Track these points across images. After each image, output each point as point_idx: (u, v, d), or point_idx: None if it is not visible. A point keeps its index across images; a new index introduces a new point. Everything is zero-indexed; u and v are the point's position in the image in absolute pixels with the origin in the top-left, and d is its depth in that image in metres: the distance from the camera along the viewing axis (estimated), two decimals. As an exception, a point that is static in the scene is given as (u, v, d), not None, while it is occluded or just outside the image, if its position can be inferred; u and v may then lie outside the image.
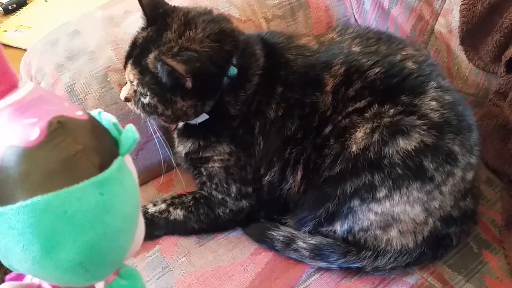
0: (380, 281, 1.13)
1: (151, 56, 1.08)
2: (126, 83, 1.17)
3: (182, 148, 1.24)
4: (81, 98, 1.23)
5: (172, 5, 1.18)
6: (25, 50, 1.39)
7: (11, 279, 0.72)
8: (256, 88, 1.16)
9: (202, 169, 1.23)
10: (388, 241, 1.12)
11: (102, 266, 0.60)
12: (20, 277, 0.72)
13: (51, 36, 1.35)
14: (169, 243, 1.20)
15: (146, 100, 1.12)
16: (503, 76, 1.37)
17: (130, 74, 1.12)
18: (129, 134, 0.61)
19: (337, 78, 1.14)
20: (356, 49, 1.18)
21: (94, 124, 0.60)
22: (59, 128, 0.56)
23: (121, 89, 1.24)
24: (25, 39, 1.76)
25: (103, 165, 0.57)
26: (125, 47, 1.28)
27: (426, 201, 1.07)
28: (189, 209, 1.22)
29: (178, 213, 1.21)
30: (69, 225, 0.54)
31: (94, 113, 0.63)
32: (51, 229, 0.54)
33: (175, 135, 1.27)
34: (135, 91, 1.13)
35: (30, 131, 0.55)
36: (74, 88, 1.23)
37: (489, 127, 1.40)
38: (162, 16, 1.14)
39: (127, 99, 1.16)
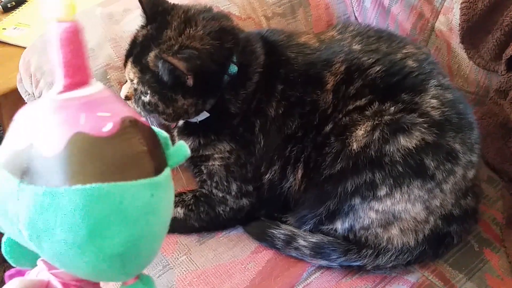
0: (381, 280, 1.12)
1: (152, 54, 1.08)
2: (126, 81, 1.16)
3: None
4: (80, 96, 1.22)
5: (172, 3, 1.18)
6: (24, 48, 1.38)
7: (11, 276, 0.72)
8: (257, 86, 1.15)
9: (202, 167, 1.22)
10: (389, 239, 1.11)
11: (137, 263, 0.62)
12: (21, 273, 0.72)
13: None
14: (169, 242, 1.19)
15: (146, 98, 1.11)
16: (504, 74, 1.37)
17: (130, 72, 1.12)
18: (182, 149, 0.66)
19: (338, 76, 1.14)
20: (356, 47, 1.17)
21: (154, 132, 0.64)
22: (130, 126, 0.59)
23: (121, 87, 1.23)
24: (24, 37, 1.76)
25: (158, 170, 0.60)
26: (125, 45, 1.28)
27: (427, 199, 1.07)
28: (189, 207, 1.21)
29: (178, 211, 1.21)
30: (120, 216, 0.56)
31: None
32: (102, 216, 0.55)
33: (175, 133, 1.27)
34: (135, 89, 1.13)
35: (103, 124, 0.58)
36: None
37: (490, 126, 1.40)
38: (162, 14, 1.13)
39: (127, 98, 1.16)
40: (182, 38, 1.08)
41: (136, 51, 1.12)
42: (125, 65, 1.15)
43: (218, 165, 1.20)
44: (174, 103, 1.11)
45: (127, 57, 1.14)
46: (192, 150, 1.18)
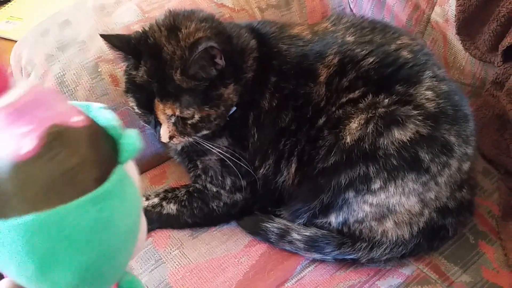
0: (375, 273, 1.12)
1: (177, 74, 1.03)
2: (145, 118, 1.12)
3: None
4: (71, 89, 1.21)
5: (136, 31, 1.12)
6: (17, 41, 1.37)
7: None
8: (250, 78, 1.14)
9: (198, 162, 1.21)
10: (383, 232, 1.11)
11: (102, 282, 0.57)
12: None
13: (41, 26, 1.33)
14: (162, 236, 1.18)
15: (195, 118, 1.07)
16: (500, 65, 1.35)
17: (166, 110, 1.05)
18: (130, 140, 0.57)
19: (331, 68, 1.13)
20: (350, 38, 1.16)
21: (92, 131, 0.56)
22: (54, 140, 0.52)
23: (112, 80, 1.22)
24: (16, 30, 1.75)
25: (102, 178, 0.53)
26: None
27: (422, 192, 1.06)
28: (183, 203, 1.20)
29: (171, 207, 1.20)
30: (65, 245, 0.51)
31: (95, 107, 0.59)
32: (45, 249, 0.50)
33: None
34: (176, 123, 1.08)
35: (24, 143, 0.51)
36: (64, 79, 1.22)
37: (486, 118, 1.39)
38: (141, 45, 1.07)
39: (172, 137, 1.10)
40: (184, 42, 1.05)
41: (155, 89, 1.04)
42: (143, 113, 1.09)
43: (215, 159, 1.19)
44: (221, 98, 1.08)
45: (148, 103, 1.07)
46: (191, 145, 1.17)
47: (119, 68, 1.25)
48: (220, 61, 1.05)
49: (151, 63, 1.05)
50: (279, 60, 1.15)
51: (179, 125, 1.08)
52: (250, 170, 1.17)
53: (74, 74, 1.22)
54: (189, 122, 1.08)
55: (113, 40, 1.07)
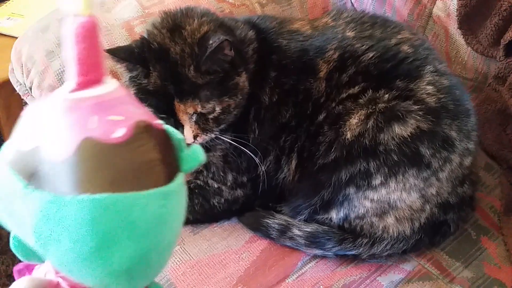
0: (376, 268, 1.11)
1: (191, 71, 1.03)
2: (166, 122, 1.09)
3: None
4: (71, 86, 1.21)
5: (136, 40, 1.12)
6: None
7: (20, 271, 0.71)
8: (250, 73, 1.14)
9: None
10: (384, 228, 1.10)
11: (146, 276, 0.59)
12: (29, 267, 0.70)
13: (42, 22, 1.33)
14: (163, 232, 1.18)
15: (217, 111, 1.07)
16: (502, 60, 1.35)
17: (187, 110, 1.05)
18: (196, 153, 0.62)
19: (331, 63, 1.12)
20: (350, 34, 1.15)
21: (168, 136, 0.60)
22: (144, 132, 0.55)
23: (112, 76, 1.22)
24: (17, 27, 1.74)
25: (170, 177, 0.57)
26: (117, 33, 1.27)
27: (423, 187, 1.06)
28: None
29: None
30: (128, 229, 0.53)
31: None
32: (110, 229, 0.52)
33: None
34: (197, 121, 1.08)
35: (115, 128, 0.54)
36: (65, 75, 1.21)
37: (488, 112, 1.39)
38: (146, 52, 1.06)
39: (195, 137, 1.09)
40: (190, 38, 1.05)
41: (172, 90, 1.04)
42: (163, 118, 1.04)
43: (219, 155, 1.19)
44: (238, 87, 1.08)
45: (166, 107, 1.05)
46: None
47: (119, 64, 1.24)
48: (230, 52, 1.05)
49: (161, 66, 1.04)
50: (279, 55, 1.15)
51: (201, 122, 1.08)
52: (257, 162, 1.15)
53: (74, 70, 1.22)
54: (211, 116, 1.08)
55: (118, 53, 1.06)
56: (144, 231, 0.54)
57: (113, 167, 0.53)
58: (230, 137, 1.13)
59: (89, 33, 0.56)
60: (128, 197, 0.53)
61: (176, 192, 0.58)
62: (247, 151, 1.13)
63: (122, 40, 1.27)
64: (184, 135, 1.07)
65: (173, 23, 1.08)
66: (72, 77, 0.57)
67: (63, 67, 1.22)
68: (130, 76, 1.09)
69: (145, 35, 1.09)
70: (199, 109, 1.05)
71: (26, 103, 1.41)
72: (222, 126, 1.11)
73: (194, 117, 1.07)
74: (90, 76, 0.57)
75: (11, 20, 1.79)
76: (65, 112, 0.55)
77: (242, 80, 1.10)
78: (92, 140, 0.53)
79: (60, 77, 1.21)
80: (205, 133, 1.10)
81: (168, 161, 0.58)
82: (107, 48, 1.08)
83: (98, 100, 0.56)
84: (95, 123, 0.54)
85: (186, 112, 1.05)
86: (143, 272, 0.57)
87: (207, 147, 1.17)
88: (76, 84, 0.56)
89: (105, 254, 0.53)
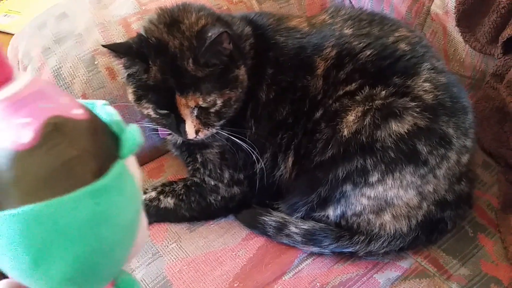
0: (373, 266, 1.11)
1: (190, 64, 1.02)
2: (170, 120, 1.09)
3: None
4: (67, 82, 1.21)
5: (131, 38, 1.11)
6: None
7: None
8: (247, 69, 1.13)
9: (198, 156, 1.21)
10: (381, 225, 1.10)
11: (95, 281, 0.56)
12: None
13: (38, 19, 1.33)
14: (159, 229, 1.18)
15: (218, 104, 1.06)
16: (500, 57, 1.34)
17: (187, 105, 1.04)
18: (131, 135, 0.56)
19: (328, 61, 1.12)
20: (348, 31, 1.15)
21: (94, 124, 0.55)
22: (54, 131, 0.51)
23: (109, 73, 1.22)
24: (14, 24, 1.75)
25: (101, 171, 0.52)
26: (113, 29, 1.26)
27: (420, 185, 1.06)
28: (180, 197, 1.20)
29: (168, 201, 1.19)
30: (61, 238, 0.50)
31: (99, 104, 0.59)
32: (41, 241, 0.50)
33: None
34: (198, 116, 1.07)
35: (23, 133, 0.50)
36: (61, 72, 1.21)
37: (486, 110, 1.38)
38: (145, 47, 1.05)
39: (197, 132, 1.09)
40: (189, 32, 1.05)
41: (173, 84, 1.03)
42: (164, 115, 1.07)
43: (216, 152, 1.18)
44: (238, 80, 1.08)
45: (167, 101, 1.05)
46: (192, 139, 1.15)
47: (116, 61, 1.24)
48: (228, 46, 1.05)
49: (160, 60, 1.03)
50: (276, 51, 1.15)
51: (203, 116, 1.07)
52: (255, 157, 1.15)
53: (70, 67, 1.22)
54: (212, 110, 1.07)
55: (116, 48, 1.05)
56: (78, 236, 0.51)
57: (30, 175, 0.50)
58: (228, 133, 1.12)
59: None
60: (50, 205, 0.49)
61: (112, 186, 0.53)
62: (245, 146, 1.13)
63: (119, 36, 1.27)
64: (186, 131, 1.07)
65: (171, 18, 1.08)
66: None
67: (59, 64, 1.22)
68: (128, 74, 1.08)
69: (142, 32, 1.08)
70: (200, 102, 1.05)
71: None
72: (223, 121, 1.11)
73: (195, 112, 1.06)
74: None
75: (8, 17, 1.79)
76: None
77: (242, 73, 1.09)
78: (3, 150, 0.50)
79: (56, 73, 1.21)
80: (206, 128, 1.09)
81: (97, 152, 0.53)
82: (106, 44, 1.07)
83: (6, 102, 0.52)
84: (4, 132, 0.51)
85: (188, 105, 1.05)
86: (90, 277, 0.55)
87: (204, 144, 1.17)
88: None
89: (43, 267, 0.51)
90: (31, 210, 0.49)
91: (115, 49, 1.05)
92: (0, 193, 0.50)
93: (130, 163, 0.57)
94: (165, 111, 1.06)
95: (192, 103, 1.04)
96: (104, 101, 0.60)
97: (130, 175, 0.56)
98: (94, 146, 0.53)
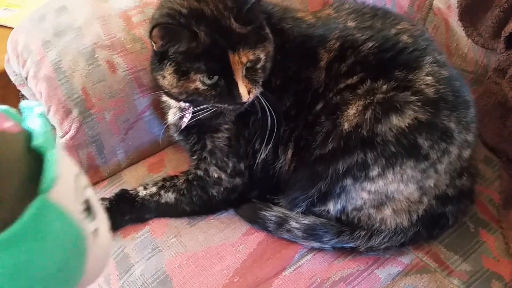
0: (374, 261, 1.11)
1: (233, 23, 1.01)
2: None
3: (184, 118, 1.17)
4: (67, 76, 1.20)
5: (161, 15, 1.07)
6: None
7: None
8: None
9: (208, 142, 1.19)
10: (382, 220, 1.10)
11: None
12: None
13: (38, 12, 1.32)
14: (159, 224, 1.18)
15: (262, 58, 1.06)
16: (503, 52, 1.34)
17: (240, 62, 1.03)
18: (51, 164, 0.45)
19: (331, 53, 1.11)
20: (351, 24, 1.15)
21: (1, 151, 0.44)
22: None
23: (109, 66, 1.21)
24: (14, 17, 1.74)
25: (14, 215, 0.43)
26: (114, 22, 1.26)
27: (421, 179, 1.05)
28: (181, 191, 1.19)
29: (169, 196, 1.19)
30: None
31: (35, 112, 0.49)
32: None
33: (174, 109, 1.21)
34: (246, 76, 1.05)
35: None
36: (61, 65, 1.20)
37: (488, 105, 1.37)
38: (181, 19, 1.03)
39: (249, 92, 1.06)
40: None
41: (225, 43, 1.01)
42: (215, 83, 1.04)
43: (225, 137, 1.17)
44: (268, 36, 1.08)
45: (218, 64, 1.03)
46: (204, 120, 1.13)
47: (116, 54, 1.23)
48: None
49: (204, 25, 1.01)
50: (282, 37, 1.14)
51: (250, 74, 1.06)
52: (247, 151, 1.15)
53: (70, 60, 1.21)
54: (258, 66, 1.06)
55: (167, 23, 1.03)
56: None
57: None
58: (264, 100, 1.10)
59: None
60: None
61: (28, 232, 0.43)
62: (274, 115, 1.11)
63: (119, 30, 1.26)
64: (240, 92, 1.04)
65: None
66: None
67: (59, 57, 1.21)
68: (161, 57, 1.06)
69: (169, 11, 1.05)
70: (251, 57, 1.04)
71: (23, 95, 1.40)
72: (263, 78, 1.09)
73: (244, 71, 1.05)
74: None
75: (8, 11, 1.78)
76: None
77: (267, 31, 1.09)
78: None
79: (56, 67, 1.20)
80: (254, 86, 1.07)
81: (6, 192, 0.43)
82: (156, 23, 1.02)
83: None
84: None
85: (241, 62, 1.03)
86: None
87: (215, 128, 1.16)
88: None
89: None
90: None
91: (167, 24, 1.02)
92: None
93: (58, 191, 0.47)
94: (215, 79, 1.04)
95: (244, 59, 1.03)
96: (41, 108, 0.51)
97: (56, 209, 0.46)
98: (3, 184, 0.44)
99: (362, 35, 1.11)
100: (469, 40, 1.40)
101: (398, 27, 1.13)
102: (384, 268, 1.09)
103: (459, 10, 1.39)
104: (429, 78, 1.05)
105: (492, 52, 1.38)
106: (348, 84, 1.08)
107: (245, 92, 1.04)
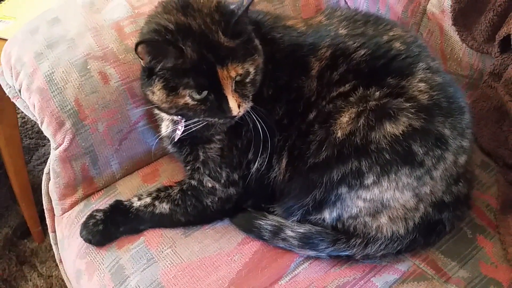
0: (370, 269, 1.10)
1: (221, 36, 1.01)
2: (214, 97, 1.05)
3: (177, 130, 1.17)
4: (60, 87, 1.19)
5: (148, 31, 1.07)
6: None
7: None
8: None
9: (200, 153, 1.18)
10: (378, 228, 1.09)
11: None
12: None
13: (31, 24, 1.32)
14: (154, 234, 1.17)
15: (251, 72, 1.05)
16: (497, 56, 1.33)
17: (229, 76, 1.02)
18: None
19: (323, 61, 1.11)
20: (342, 31, 1.14)
21: None
22: None
23: (102, 78, 1.21)
24: (9, 29, 1.73)
25: None
26: (106, 33, 1.25)
27: (416, 186, 1.05)
28: (176, 202, 1.19)
29: (164, 207, 1.18)
30: None
31: None
32: None
33: (167, 121, 1.21)
34: (236, 90, 1.04)
35: None
36: (53, 77, 1.20)
37: (484, 110, 1.37)
38: (167, 35, 1.02)
39: (239, 106, 1.05)
40: (207, 9, 1.04)
41: (213, 58, 1.00)
42: (204, 98, 1.03)
43: (217, 148, 1.17)
44: (258, 48, 1.08)
45: (207, 79, 1.02)
46: (196, 132, 1.12)
47: (109, 65, 1.23)
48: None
49: (190, 40, 1.00)
50: (272, 47, 1.13)
51: (240, 89, 1.05)
52: (241, 161, 1.14)
53: (63, 71, 1.21)
54: (248, 80, 1.06)
55: (152, 40, 1.03)
56: None
57: None
58: (254, 113, 1.09)
59: None
60: None
61: None
62: (265, 127, 1.10)
63: (112, 41, 1.26)
64: (230, 106, 1.04)
65: (178, 4, 1.06)
66: None
67: (52, 69, 1.21)
68: (149, 73, 1.05)
69: (152, 27, 1.04)
70: (240, 71, 1.03)
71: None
72: (254, 92, 1.08)
73: (233, 85, 1.04)
74: None
75: (3, 23, 1.78)
76: None
77: (257, 42, 1.08)
78: None
79: (49, 78, 1.20)
80: (244, 100, 1.06)
81: None
82: (141, 40, 1.02)
83: None
84: None
85: (230, 76, 1.02)
86: None
87: (207, 138, 1.16)
88: None
89: None
90: None
91: (152, 41, 1.02)
92: None
93: None
94: (204, 94, 1.03)
95: (233, 73, 1.02)
96: None
97: None
98: None
99: (354, 43, 1.10)
100: (464, 44, 1.40)
101: (391, 33, 1.13)
102: (381, 276, 1.09)
103: (452, 15, 1.38)
104: (423, 84, 1.04)
105: (487, 56, 1.38)
106: (341, 92, 1.07)
107: (235, 106, 1.04)
